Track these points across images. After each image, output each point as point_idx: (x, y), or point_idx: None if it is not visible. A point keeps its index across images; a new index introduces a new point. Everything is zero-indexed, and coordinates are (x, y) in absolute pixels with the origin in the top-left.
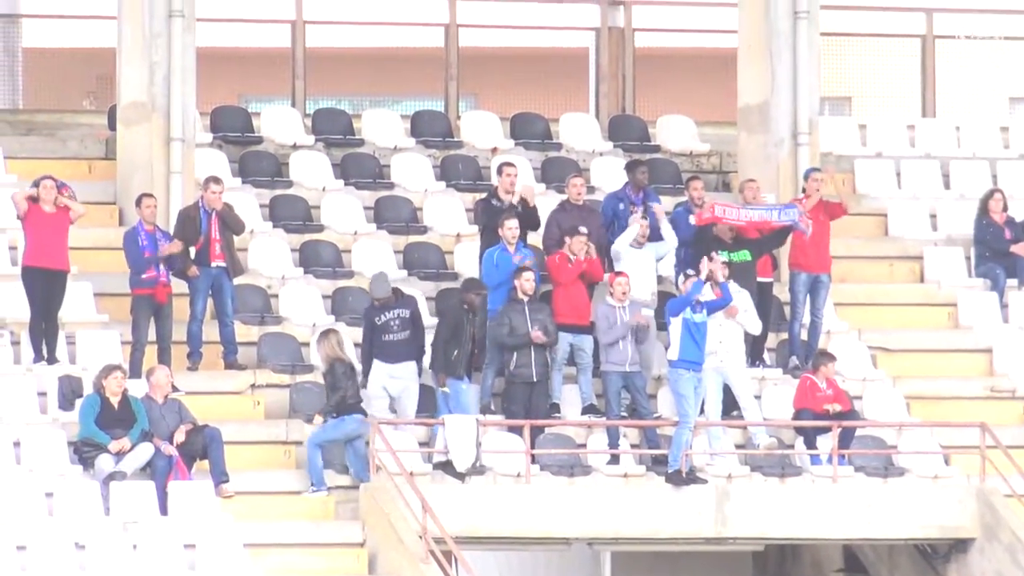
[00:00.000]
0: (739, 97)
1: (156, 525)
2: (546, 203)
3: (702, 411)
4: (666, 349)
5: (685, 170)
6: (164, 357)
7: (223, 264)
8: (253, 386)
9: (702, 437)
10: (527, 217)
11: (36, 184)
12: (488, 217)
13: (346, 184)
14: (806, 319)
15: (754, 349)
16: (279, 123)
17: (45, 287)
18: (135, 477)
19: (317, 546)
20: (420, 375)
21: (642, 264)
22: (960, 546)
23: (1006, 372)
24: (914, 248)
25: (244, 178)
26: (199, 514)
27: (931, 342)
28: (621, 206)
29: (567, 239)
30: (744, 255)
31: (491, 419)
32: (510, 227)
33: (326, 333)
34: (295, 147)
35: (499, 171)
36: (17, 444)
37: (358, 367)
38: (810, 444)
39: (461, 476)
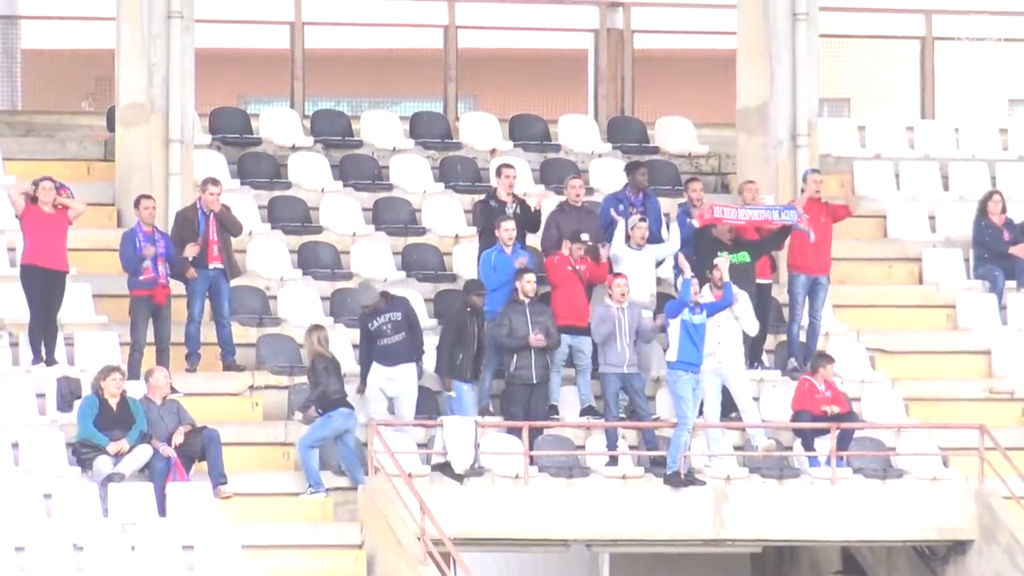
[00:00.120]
0: (738, 99)
1: (154, 526)
2: (545, 204)
3: (701, 413)
4: (664, 351)
5: (684, 172)
6: (163, 358)
7: (220, 266)
8: (251, 387)
9: (700, 439)
10: (527, 219)
11: (35, 184)
12: (486, 219)
13: (345, 185)
14: (805, 321)
15: (753, 351)
16: (278, 124)
17: (44, 288)
18: (133, 478)
19: (315, 547)
20: (420, 376)
21: (641, 266)
22: (959, 548)
23: (1005, 374)
24: (913, 250)
25: (243, 179)
26: (197, 515)
27: (930, 344)
28: (620, 207)
29: (567, 243)
30: (743, 257)
31: (489, 421)
32: (506, 228)
33: (310, 329)
34: (294, 148)
35: (498, 172)
36: (16, 445)
37: (355, 369)
38: (808, 446)
39: (459, 478)
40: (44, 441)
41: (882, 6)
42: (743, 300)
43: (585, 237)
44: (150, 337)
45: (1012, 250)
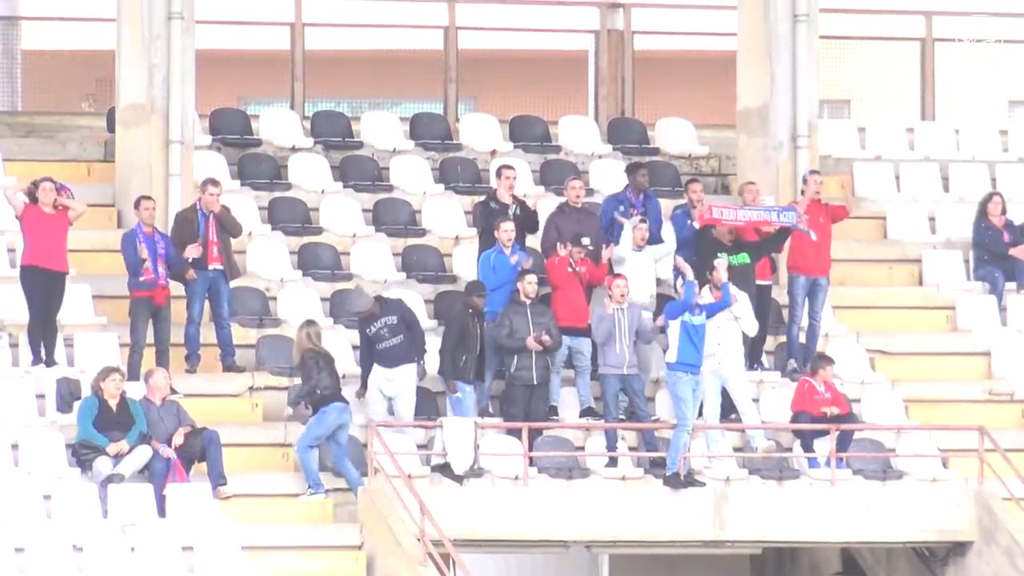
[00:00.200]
0: (738, 100)
1: (154, 527)
2: (545, 206)
3: (700, 414)
4: (664, 352)
5: (684, 173)
6: (162, 359)
7: (220, 267)
8: (251, 388)
9: (700, 440)
10: (526, 220)
11: (35, 184)
12: (487, 220)
13: (345, 186)
14: (804, 322)
15: (752, 352)
16: (278, 125)
17: (44, 289)
18: (133, 479)
19: (315, 549)
20: (422, 377)
21: (641, 267)
22: (958, 549)
23: (1004, 375)
24: (913, 251)
25: (243, 180)
26: (197, 517)
27: (929, 345)
28: (621, 208)
29: (568, 246)
30: (743, 258)
31: (489, 422)
32: (506, 229)
33: (303, 324)
34: (294, 149)
35: (498, 174)
36: (15, 446)
37: (355, 370)
38: (807, 447)
39: (459, 479)
40: (44, 442)
41: (882, 8)
42: (743, 301)
43: (586, 241)
44: (150, 338)
45: (1012, 252)
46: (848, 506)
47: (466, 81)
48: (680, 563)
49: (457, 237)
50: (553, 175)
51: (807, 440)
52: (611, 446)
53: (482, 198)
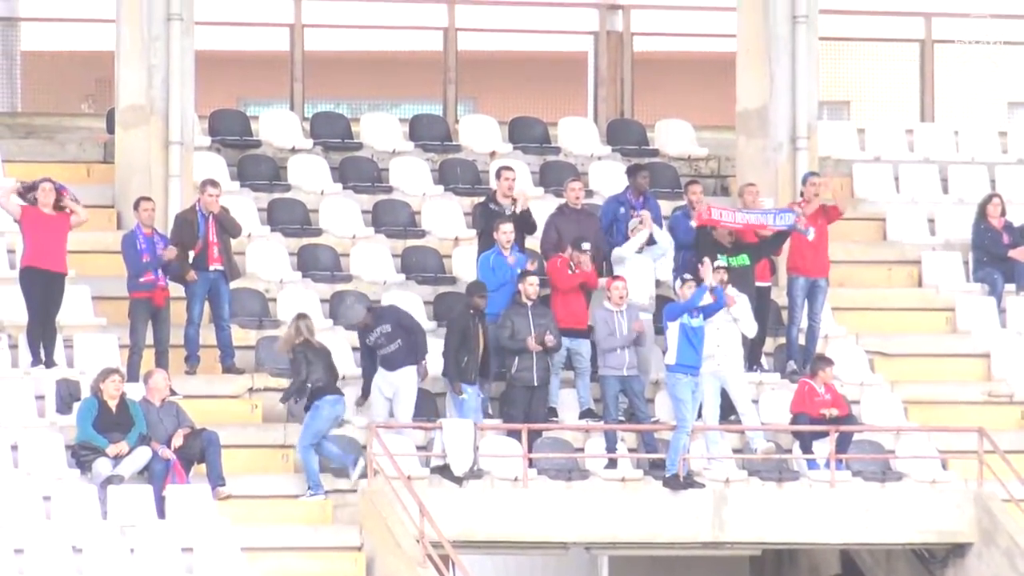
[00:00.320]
0: (738, 101)
1: (154, 529)
2: (545, 207)
3: (700, 415)
4: (664, 353)
5: (684, 174)
6: (162, 361)
7: (221, 268)
8: (251, 390)
9: (700, 441)
10: (524, 221)
11: (34, 185)
12: (486, 221)
13: (344, 188)
14: (804, 323)
15: (752, 353)
16: (278, 127)
17: (43, 290)
18: (133, 481)
19: (314, 550)
20: (423, 379)
21: (640, 268)
22: (958, 551)
23: (1004, 377)
24: (912, 252)
25: (242, 182)
26: (197, 518)
27: (929, 347)
28: (622, 210)
29: (569, 250)
30: (743, 259)
31: (489, 423)
32: (505, 231)
33: (294, 318)
34: (293, 151)
35: (497, 175)
36: (15, 447)
37: (354, 372)
38: (806, 449)
39: (459, 480)
40: (43, 443)
41: (882, 9)
42: (742, 302)
43: (586, 246)
44: (149, 339)
45: (1011, 253)
46: (847, 507)
47: (465, 82)
48: (679, 565)
49: (457, 238)
50: (552, 176)
51: (806, 441)
52: (611, 448)
53: (481, 199)
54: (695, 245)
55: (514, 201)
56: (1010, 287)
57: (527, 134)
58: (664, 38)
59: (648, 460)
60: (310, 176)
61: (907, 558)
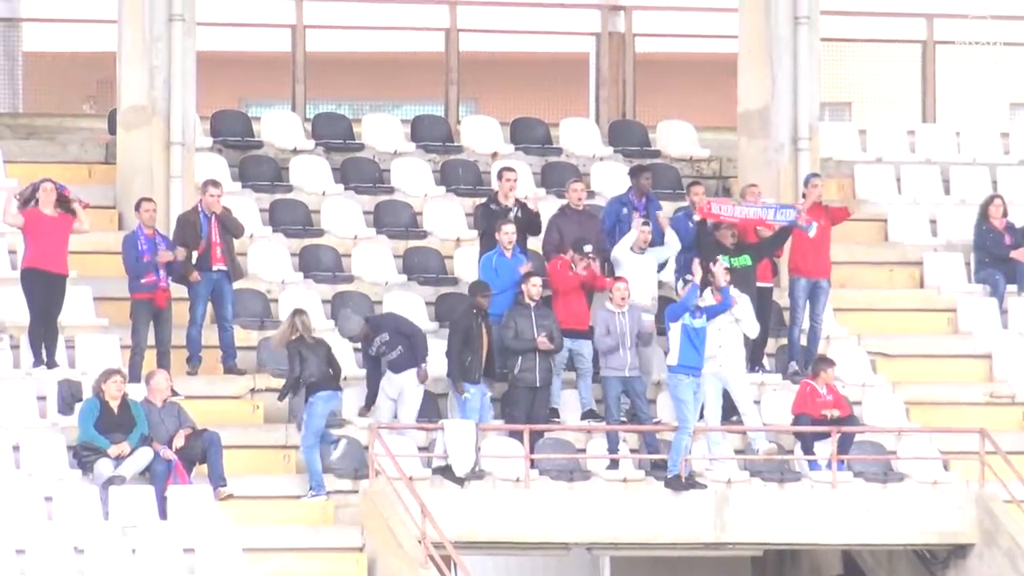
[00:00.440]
0: (739, 102)
1: (155, 529)
2: (546, 208)
3: (701, 416)
4: (665, 354)
5: (685, 175)
6: (163, 361)
7: (224, 268)
8: (252, 391)
9: (701, 442)
10: (528, 222)
11: (36, 188)
12: (488, 222)
13: (346, 189)
14: (806, 324)
15: (754, 354)
16: (279, 127)
17: (45, 291)
18: (134, 481)
19: (316, 550)
20: (423, 381)
21: (643, 269)
22: (959, 552)
23: (1005, 378)
24: (914, 253)
25: (244, 182)
26: (198, 518)
27: (931, 348)
28: (624, 211)
29: (570, 252)
30: (744, 260)
31: (490, 424)
32: (507, 232)
33: (291, 313)
34: (295, 151)
35: (499, 176)
36: (16, 448)
37: (355, 372)
38: (807, 449)
39: (460, 481)
40: (45, 444)
41: (884, 10)
42: (744, 303)
43: (588, 248)
44: (151, 340)
45: (1013, 254)
46: (849, 508)
47: (467, 83)
48: (681, 565)
49: (458, 239)
50: (554, 177)
51: (808, 442)
52: (612, 448)
53: (483, 200)
54: (696, 245)
55: (518, 202)
56: (1012, 288)
57: (529, 135)
58: (666, 39)
59: (650, 461)
60: (311, 177)
61: (908, 559)
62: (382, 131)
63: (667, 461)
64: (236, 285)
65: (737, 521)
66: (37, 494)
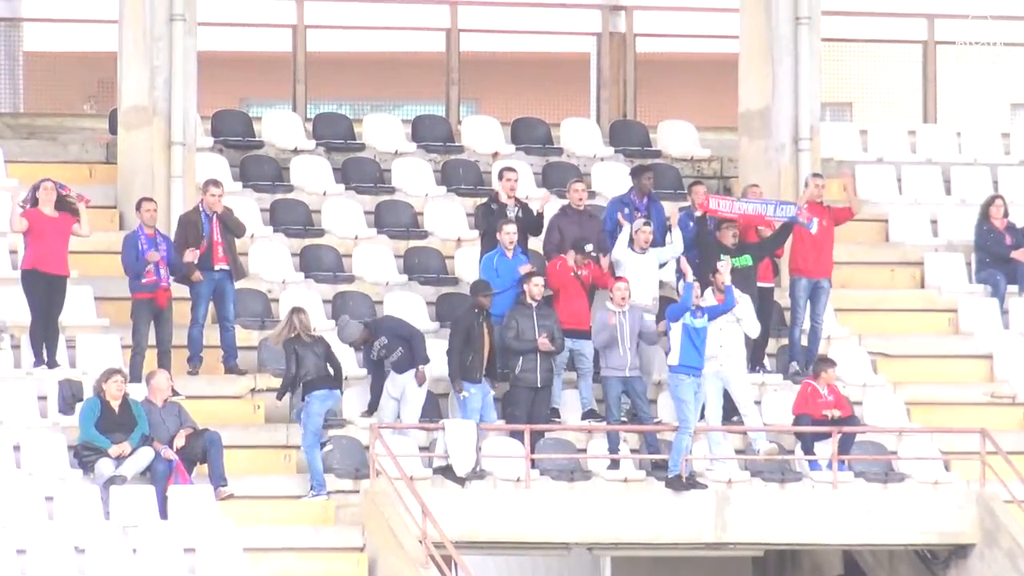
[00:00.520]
0: (740, 102)
1: (156, 529)
2: (547, 208)
3: (702, 416)
4: (666, 354)
5: (686, 175)
6: (164, 361)
7: (226, 267)
8: (253, 391)
9: (702, 442)
10: (529, 222)
11: (36, 188)
12: (488, 222)
13: (347, 189)
14: (806, 324)
15: (754, 354)
16: (280, 127)
17: (45, 291)
18: (135, 481)
19: (317, 550)
20: (420, 383)
21: (644, 269)
22: (960, 552)
23: (1006, 378)
24: (915, 254)
25: (245, 182)
26: (199, 518)
27: (931, 348)
28: (626, 211)
29: (571, 252)
30: (745, 260)
31: (491, 424)
32: (508, 232)
33: (289, 312)
34: (296, 151)
35: (500, 176)
36: (17, 448)
37: (356, 373)
38: (808, 449)
39: (461, 481)
40: (46, 444)
41: (884, 10)
42: (745, 303)
43: (589, 248)
44: (152, 340)
45: (1014, 254)
46: (850, 508)
47: (468, 83)
48: (682, 565)
49: (459, 239)
50: (555, 177)
51: (809, 442)
52: (613, 448)
53: (484, 200)
54: (697, 245)
55: (518, 202)
56: (1012, 288)
57: (529, 135)
58: (667, 39)
59: (650, 461)
60: (312, 177)
61: (909, 559)
62: (383, 131)
63: (668, 461)
64: (237, 285)
65: (738, 521)
66: (38, 494)
